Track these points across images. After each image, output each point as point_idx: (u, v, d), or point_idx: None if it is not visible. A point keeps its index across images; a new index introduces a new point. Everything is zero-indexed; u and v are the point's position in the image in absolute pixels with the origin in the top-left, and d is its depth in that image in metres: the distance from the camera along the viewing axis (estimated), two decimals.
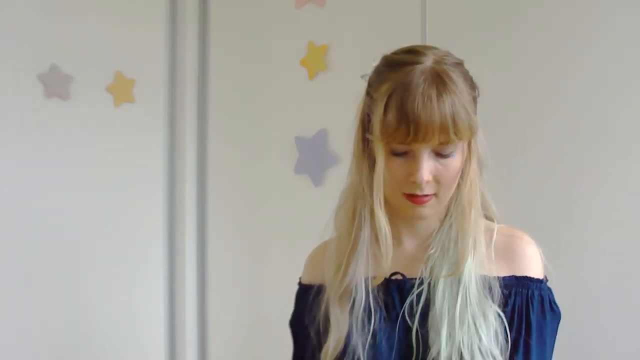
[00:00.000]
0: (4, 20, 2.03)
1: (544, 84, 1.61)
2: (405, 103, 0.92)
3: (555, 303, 1.01)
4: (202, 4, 2.26)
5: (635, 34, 1.51)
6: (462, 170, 0.99)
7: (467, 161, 0.99)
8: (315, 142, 1.99)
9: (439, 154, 0.95)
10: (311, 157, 2.00)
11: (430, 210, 0.99)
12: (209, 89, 2.25)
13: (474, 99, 0.99)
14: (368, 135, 0.99)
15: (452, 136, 0.92)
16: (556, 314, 1.01)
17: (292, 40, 2.04)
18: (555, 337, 1.01)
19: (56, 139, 2.09)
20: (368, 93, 1.01)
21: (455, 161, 0.96)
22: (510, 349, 0.96)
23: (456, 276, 0.97)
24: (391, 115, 0.93)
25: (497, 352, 0.94)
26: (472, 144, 0.99)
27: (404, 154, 0.95)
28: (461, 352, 0.93)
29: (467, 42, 1.54)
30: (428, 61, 0.95)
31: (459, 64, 0.99)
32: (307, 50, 2.01)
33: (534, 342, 0.97)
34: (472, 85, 0.99)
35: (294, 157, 2.02)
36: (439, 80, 0.93)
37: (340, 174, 1.97)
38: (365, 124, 1.02)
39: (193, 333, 2.22)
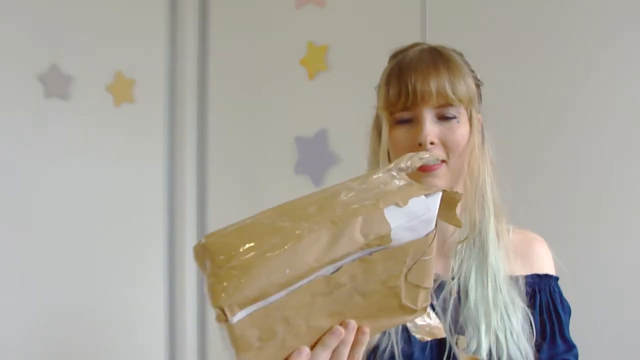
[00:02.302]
0: (4, 20, 2.03)
1: (544, 83, 1.61)
2: (402, 70, 0.98)
3: (565, 299, 1.05)
4: (202, 4, 2.26)
5: (636, 32, 1.51)
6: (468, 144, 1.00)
7: (470, 134, 1.01)
8: (315, 142, 1.99)
9: (442, 118, 0.98)
10: (311, 157, 2.00)
11: (441, 180, 0.98)
12: (209, 89, 2.25)
13: (474, 79, 1.03)
14: (377, 109, 1.03)
15: (450, 94, 0.96)
16: (566, 307, 1.05)
17: (292, 40, 2.04)
18: None
19: (56, 139, 2.09)
20: (378, 87, 1.05)
21: (460, 127, 0.98)
22: (549, 344, 0.99)
23: (484, 266, 0.99)
24: (392, 84, 0.98)
25: (524, 339, 0.96)
26: (473, 115, 1.01)
27: (409, 122, 0.98)
28: (497, 336, 0.94)
29: (467, 42, 1.53)
30: (425, 45, 1.03)
31: (458, 52, 1.05)
32: (307, 50, 2.01)
33: (567, 333, 1.01)
34: (471, 69, 1.03)
35: (294, 157, 2.02)
36: (434, 50, 1.01)
37: (341, 174, 1.98)
38: (377, 121, 1.05)
39: (193, 333, 2.22)
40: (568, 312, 1.04)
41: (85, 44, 2.13)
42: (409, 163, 0.76)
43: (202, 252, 0.71)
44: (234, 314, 0.67)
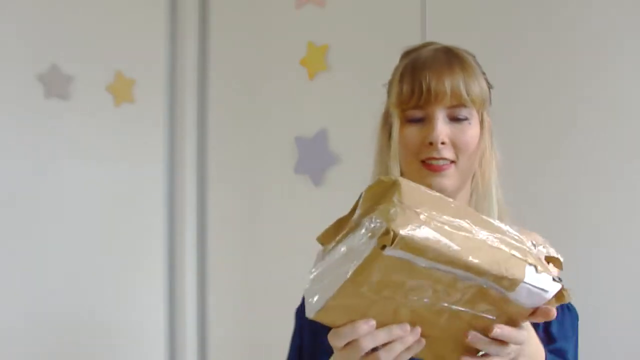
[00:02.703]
0: (4, 20, 2.03)
1: (546, 84, 1.61)
2: (416, 68, 0.97)
3: (569, 303, 1.03)
4: (202, 4, 2.26)
5: (635, 31, 1.51)
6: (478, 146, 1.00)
7: (480, 136, 1.01)
8: (315, 142, 1.99)
9: (454, 119, 0.97)
10: (311, 157, 2.00)
11: (450, 181, 0.98)
12: (208, 89, 2.25)
13: (486, 81, 1.03)
14: (389, 105, 1.02)
15: (464, 94, 0.95)
16: (573, 313, 1.03)
17: (292, 40, 2.04)
18: (577, 337, 1.03)
19: (56, 139, 2.09)
20: (390, 83, 1.05)
21: (471, 128, 0.98)
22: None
23: None
24: (405, 82, 0.98)
25: None
26: (484, 117, 1.01)
27: (420, 121, 0.98)
28: None
29: (467, 42, 1.53)
30: (439, 45, 1.03)
31: (470, 53, 1.05)
32: (307, 50, 2.01)
33: (555, 330, 0.99)
34: (482, 71, 1.03)
35: (294, 157, 2.02)
36: (448, 50, 1.00)
37: (340, 174, 1.98)
38: (386, 118, 1.05)
39: (193, 333, 2.22)
40: (570, 317, 1.02)
41: (85, 44, 2.13)
42: (536, 244, 0.77)
43: (388, 186, 0.71)
44: (394, 248, 0.65)
